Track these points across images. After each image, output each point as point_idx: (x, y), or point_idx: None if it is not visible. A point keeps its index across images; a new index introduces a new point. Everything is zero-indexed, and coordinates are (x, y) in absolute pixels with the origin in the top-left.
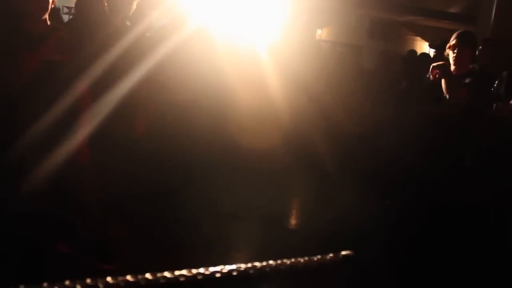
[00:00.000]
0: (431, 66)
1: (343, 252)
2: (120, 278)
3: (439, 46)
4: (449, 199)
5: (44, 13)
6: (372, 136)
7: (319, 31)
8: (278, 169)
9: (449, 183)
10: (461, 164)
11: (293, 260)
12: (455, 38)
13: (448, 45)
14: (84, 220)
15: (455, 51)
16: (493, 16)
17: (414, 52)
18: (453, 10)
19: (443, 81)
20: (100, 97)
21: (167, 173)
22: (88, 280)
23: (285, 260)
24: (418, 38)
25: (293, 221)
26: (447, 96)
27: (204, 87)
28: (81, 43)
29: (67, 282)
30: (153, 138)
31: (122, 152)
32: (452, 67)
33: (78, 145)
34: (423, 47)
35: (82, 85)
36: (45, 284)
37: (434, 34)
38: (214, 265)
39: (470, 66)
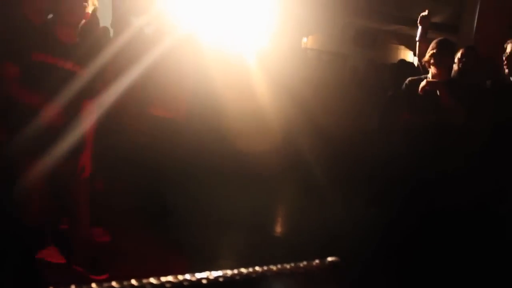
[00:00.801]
0: (408, 80)
1: (330, 258)
2: (105, 285)
3: None
4: (437, 205)
5: (76, 25)
6: (359, 143)
7: (304, 39)
8: (266, 175)
9: (438, 189)
10: (449, 171)
11: (279, 266)
12: (435, 47)
13: (428, 53)
14: (76, 228)
15: (436, 59)
16: (475, 26)
17: (403, 60)
18: (436, 20)
19: (438, 92)
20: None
21: (156, 180)
22: (94, 285)
23: (271, 267)
24: (403, 47)
25: (280, 229)
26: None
27: (193, 94)
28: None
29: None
30: (139, 144)
31: (113, 159)
32: (432, 75)
33: (81, 159)
34: (408, 55)
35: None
36: None
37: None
38: (200, 271)
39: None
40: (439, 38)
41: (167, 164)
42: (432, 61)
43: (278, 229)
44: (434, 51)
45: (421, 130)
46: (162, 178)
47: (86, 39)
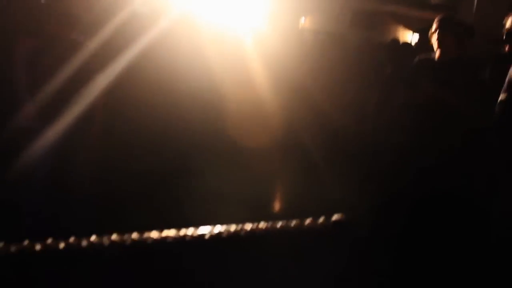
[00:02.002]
0: (418, 59)
1: (335, 216)
2: (105, 238)
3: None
4: (437, 185)
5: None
6: (358, 123)
7: (302, 20)
8: (264, 156)
9: (438, 169)
10: (449, 150)
11: (284, 222)
12: (435, 24)
13: (430, 31)
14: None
15: (436, 37)
16: (474, 6)
17: (397, 40)
18: (435, 0)
19: None
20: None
21: (155, 163)
22: (72, 239)
23: (276, 222)
24: (401, 28)
25: (278, 206)
26: None
27: (190, 76)
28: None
29: (49, 241)
30: (140, 128)
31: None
32: (436, 54)
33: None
34: (406, 35)
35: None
36: (26, 242)
37: (416, 24)
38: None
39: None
40: (439, 16)
41: (169, 147)
42: (434, 39)
43: (277, 206)
44: (435, 27)
45: (423, 106)
46: (161, 159)
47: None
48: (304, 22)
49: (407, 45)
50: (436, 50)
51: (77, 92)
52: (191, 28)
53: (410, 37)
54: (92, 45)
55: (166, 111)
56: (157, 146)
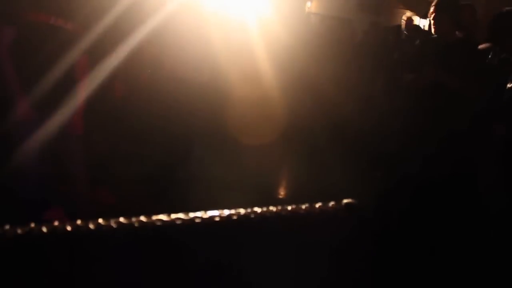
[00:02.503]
0: (419, 41)
1: (345, 200)
2: (112, 220)
3: None
4: (441, 170)
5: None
6: (363, 108)
7: (308, 4)
8: (269, 140)
9: (442, 153)
10: (454, 134)
11: (294, 206)
12: (432, 5)
13: (429, 13)
14: (77, 186)
15: (432, 17)
16: None
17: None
18: None
19: None
20: (91, 69)
21: (159, 147)
22: (79, 221)
23: (286, 206)
24: (408, 12)
25: (283, 192)
26: None
27: (194, 59)
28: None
29: (56, 223)
30: (144, 111)
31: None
32: (435, 36)
33: (72, 116)
34: (413, 19)
35: (76, 53)
36: (32, 224)
37: (423, 8)
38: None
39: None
40: None
41: (171, 130)
42: (432, 21)
43: (282, 192)
44: (432, 9)
45: (427, 90)
46: (168, 144)
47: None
48: (311, 6)
49: (416, 28)
50: (435, 32)
51: (70, 83)
52: (196, 13)
53: (417, 21)
54: (91, 33)
55: (171, 99)
56: (162, 134)
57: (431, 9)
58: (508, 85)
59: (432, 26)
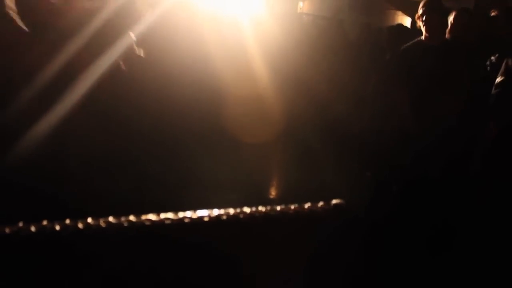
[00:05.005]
0: (402, 49)
1: (334, 201)
2: (101, 220)
3: None
4: (431, 171)
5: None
6: (355, 108)
7: (300, 4)
8: (263, 143)
9: (434, 156)
10: (446, 132)
11: (283, 206)
12: (422, 6)
13: (417, 15)
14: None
15: (423, 19)
16: None
17: (396, 25)
18: None
19: None
20: (81, 70)
21: (155, 150)
22: (67, 221)
23: (275, 207)
24: (399, 12)
25: (275, 191)
26: None
27: (187, 58)
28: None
29: (44, 223)
30: (138, 111)
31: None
32: (425, 37)
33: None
34: (404, 20)
35: (68, 53)
36: (20, 224)
37: (414, 9)
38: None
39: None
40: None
41: (162, 130)
42: (421, 23)
43: (274, 192)
44: (422, 12)
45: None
46: (161, 147)
47: None
48: (303, 6)
49: (407, 29)
50: (425, 32)
51: (65, 85)
52: (189, 12)
53: (408, 22)
54: (84, 34)
55: (164, 100)
56: (156, 136)
57: (420, 11)
58: (498, 80)
59: (422, 28)
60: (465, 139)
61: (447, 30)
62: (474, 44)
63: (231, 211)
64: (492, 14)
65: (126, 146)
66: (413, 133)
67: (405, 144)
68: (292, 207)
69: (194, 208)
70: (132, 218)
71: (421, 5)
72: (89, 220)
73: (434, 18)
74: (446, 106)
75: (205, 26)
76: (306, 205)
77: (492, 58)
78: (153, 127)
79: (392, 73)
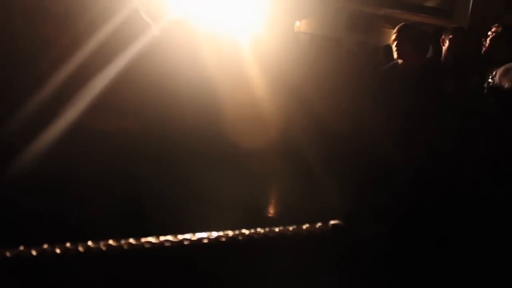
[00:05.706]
0: (381, 71)
1: (332, 221)
2: (101, 242)
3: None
4: (434, 193)
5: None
6: (354, 126)
7: (297, 23)
8: (260, 160)
9: (435, 176)
10: (448, 158)
11: (281, 228)
12: (394, 32)
13: (391, 40)
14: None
15: (395, 45)
16: (469, 10)
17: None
18: (430, 4)
19: None
20: (79, 89)
21: (150, 167)
22: (68, 244)
23: (274, 228)
24: None
25: (274, 210)
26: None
27: (186, 77)
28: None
29: (45, 246)
30: (135, 129)
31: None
32: (400, 62)
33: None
34: None
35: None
36: (21, 247)
37: None
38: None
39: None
40: (399, 25)
41: (162, 148)
42: (395, 49)
43: (272, 211)
44: (393, 37)
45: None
46: (156, 163)
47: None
48: (300, 25)
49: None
50: (397, 58)
51: (67, 98)
52: (187, 31)
53: None
54: (85, 47)
55: (161, 115)
56: (151, 151)
57: (393, 36)
58: (489, 80)
59: (394, 52)
60: (453, 162)
61: (444, 49)
62: (468, 63)
63: (230, 233)
64: (493, 29)
65: (127, 166)
66: (398, 163)
67: (398, 163)
68: (291, 228)
69: (193, 226)
70: (132, 240)
71: (394, 30)
72: (90, 243)
73: (405, 43)
74: (421, 134)
75: (203, 44)
76: (304, 226)
77: (489, 80)
78: (152, 146)
79: (372, 98)
